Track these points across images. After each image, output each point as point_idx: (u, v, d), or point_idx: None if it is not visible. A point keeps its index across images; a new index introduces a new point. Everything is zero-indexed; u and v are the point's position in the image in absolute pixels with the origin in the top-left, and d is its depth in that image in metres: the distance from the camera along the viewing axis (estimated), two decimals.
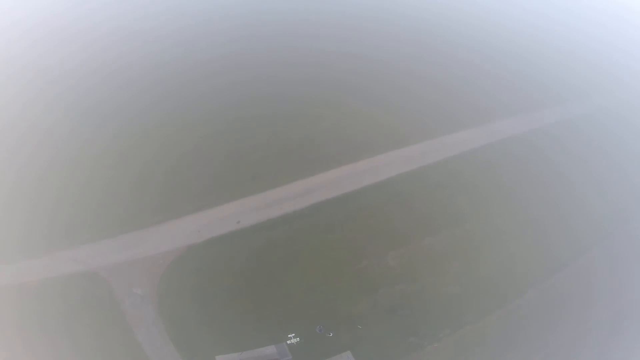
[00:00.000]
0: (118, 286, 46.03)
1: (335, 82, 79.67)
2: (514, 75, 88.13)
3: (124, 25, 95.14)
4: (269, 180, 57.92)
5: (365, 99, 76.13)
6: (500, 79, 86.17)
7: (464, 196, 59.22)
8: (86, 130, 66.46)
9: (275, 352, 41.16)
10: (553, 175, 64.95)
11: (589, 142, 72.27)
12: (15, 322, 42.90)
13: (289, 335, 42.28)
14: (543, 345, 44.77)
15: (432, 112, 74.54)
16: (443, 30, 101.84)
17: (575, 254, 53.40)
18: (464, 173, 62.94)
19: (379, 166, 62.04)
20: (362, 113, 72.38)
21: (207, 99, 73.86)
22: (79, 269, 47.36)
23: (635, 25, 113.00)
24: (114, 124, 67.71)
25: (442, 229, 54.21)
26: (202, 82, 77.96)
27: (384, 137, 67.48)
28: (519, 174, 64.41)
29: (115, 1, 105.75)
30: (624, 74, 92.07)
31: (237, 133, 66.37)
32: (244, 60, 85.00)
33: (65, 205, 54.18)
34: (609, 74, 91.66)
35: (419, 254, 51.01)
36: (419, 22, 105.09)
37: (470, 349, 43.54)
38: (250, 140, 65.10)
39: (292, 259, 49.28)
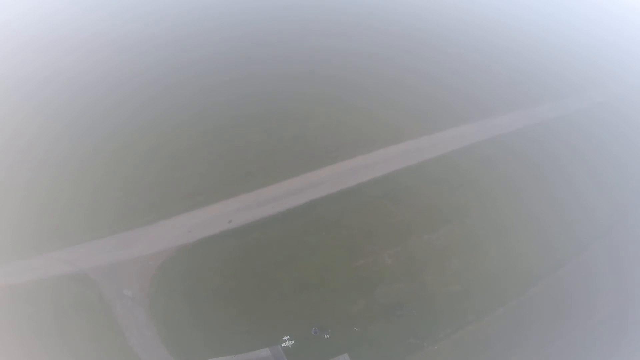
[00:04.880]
0: (109, 288, 44.93)
1: (330, 78, 78.28)
2: (513, 71, 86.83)
3: (114, 26, 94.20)
4: (261, 178, 56.51)
5: (360, 95, 74.74)
6: (500, 75, 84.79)
7: (463, 192, 57.74)
8: (77, 130, 65.28)
9: (269, 355, 39.94)
10: (554, 170, 63.57)
11: (589, 137, 71.05)
12: (7, 324, 41.88)
13: (284, 338, 40.93)
14: (548, 344, 43.45)
15: (429, 107, 73.08)
16: (441, 27, 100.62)
17: (577, 249, 51.99)
18: (463, 168, 61.50)
19: (375, 162, 60.57)
20: (357, 108, 70.96)
21: (199, 98, 72.58)
22: (69, 270, 46.23)
23: (633, 23, 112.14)
24: (105, 124, 66.51)
25: (441, 225, 52.74)
26: (194, 80, 76.73)
27: (380, 133, 66.01)
28: (519, 168, 62.97)
29: (106, 1, 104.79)
30: (623, 71, 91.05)
31: (229, 131, 65.02)
32: (236, 58, 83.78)
33: (55, 206, 52.97)
34: (608, 71, 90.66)
35: (417, 251, 49.56)
36: (416, 18, 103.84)
37: (473, 349, 42.19)
38: (242, 138, 63.70)
39: (286, 259, 47.84)
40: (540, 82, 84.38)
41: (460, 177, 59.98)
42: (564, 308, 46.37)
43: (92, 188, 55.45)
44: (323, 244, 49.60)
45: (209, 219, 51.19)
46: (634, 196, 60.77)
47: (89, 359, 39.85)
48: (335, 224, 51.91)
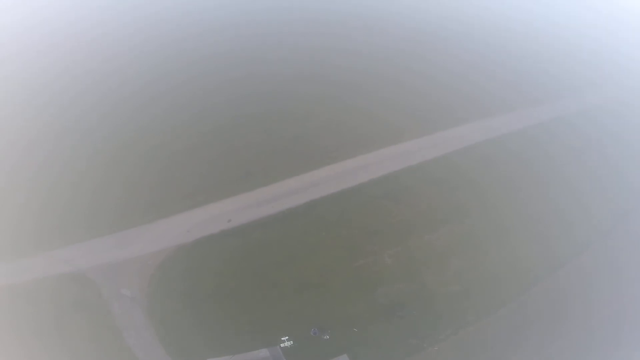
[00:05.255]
0: (108, 288, 44.73)
1: (330, 79, 78.43)
2: (513, 72, 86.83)
3: (116, 28, 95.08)
4: (261, 178, 56.37)
5: (360, 95, 74.78)
6: (500, 76, 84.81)
7: (464, 192, 57.52)
8: (78, 129, 65.58)
9: (268, 355, 39.60)
10: (554, 171, 63.27)
11: (588, 139, 70.72)
12: (6, 323, 41.82)
13: (283, 339, 40.61)
14: (548, 344, 43.00)
15: (429, 108, 73.02)
16: (441, 29, 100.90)
17: (577, 250, 51.57)
18: (463, 168, 61.29)
19: (375, 162, 60.43)
20: (357, 109, 70.96)
21: (200, 98, 72.85)
22: (68, 269, 46.12)
23: (632, 26, 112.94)
24: (106, 124, 66.79)
25: (442, 225, 52.46)
26: (194, 81, 77.04)
27: (380, 133, 65.91)
28: (519, 169, 62.70)
29: (108, 3, 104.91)
30: (622, 74, 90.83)
31: (230, 131, 65.08)
32: (237, 59, 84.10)
33: (55, 205, 53.04)
34: (607, 73, 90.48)
35: (418, 251, 49.24)
36: (418, 20, 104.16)
37: (474, 349, 41.79)
38: (242, 138, 63.71)
39: (286, 259, 47.60)
40: (540, 83, 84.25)
41: (460, 177, 59.78)
42: (564, 309, 46.02)
43: (92, 187, 55.48)
44: (323, 244, 49.33)
45: (209, 219, 51.01)
46: (633, 197, 60.63)
47: (88, 359, 39.51)
48: (335, 224, 51.69)
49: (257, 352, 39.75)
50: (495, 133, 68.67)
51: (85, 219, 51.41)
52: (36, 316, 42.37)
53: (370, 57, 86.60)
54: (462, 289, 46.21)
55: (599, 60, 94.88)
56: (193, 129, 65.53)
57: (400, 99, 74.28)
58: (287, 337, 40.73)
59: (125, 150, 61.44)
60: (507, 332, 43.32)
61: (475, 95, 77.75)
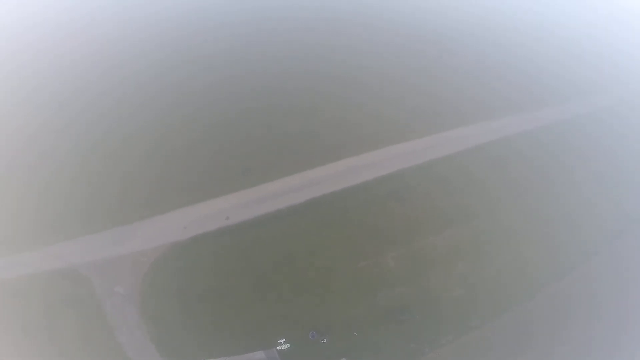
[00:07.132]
0: (100, 285, 43.62)
1: (335, 76, 76.85)
2: (520, 74, 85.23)
3: (117, 25, 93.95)
4: (261, 174, 54.87)
5: (366, 92, 73.23)
6: (507, 77, 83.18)
7: (470, 193, 56.05)
8: (77, 126, 64.44)
9: (264, 358, 38.57)
10: (562, 173, 61.83)
11: (597, 141, 69.31)
12: None
13: (280, 341, 39.43)
14: (552, 351, 41.81)
15: (435, 107, 71.41)
16: (448, 29, 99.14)
17: (585, 255, 50.28)
18: (469, 169, 59.77)
19: (379, 161, 58.83)
20: (362, 106, 69.36)
21: (200, 94, 71.30)
22: (61, 265, 45.03)
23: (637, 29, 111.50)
24: (105, 121, 65.40)
25: (446, 228, 50.99)
26: (196, 77, 75.57)
27: (385, 131, 64.30)
28: (526, 171, 61.26)
29: (108, 3, 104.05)
30: (629, 75, 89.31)
31: (230, 126, 63.56)
32: (238, 56, 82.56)
33: (51, 202, 51.84)
34: (615, 75, 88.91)
35: (421, 253, 47.86)
36: (426, 21, 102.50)
37: (476, 355, 40.63)
38: (243, 134, 62.14)
39: (285, 259, 46.19)
40: (547, 85, 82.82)
41: (466, 178, 58.28)
42: (570, 315, 44.77)
43: (89, 184, 54.18)
44: (324, 244, 47.88)
45: (206, 216, 49.63)
46: None
47: (77, 356, 38.68)
48: (336, 224, 50.19)
49: (252, 354, 38.66)
50: (502, 134, 67.16)
51: (80, 215, 50.21)
52: (26, 312, 41.38)
53: (377, 55, 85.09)
54: (466, 292, 44.88)
55: (607, 62, 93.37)
56: (192, 125, 64.09)
57: (406, 97, 72.71)
58: (284, 340, 39.56)
59: (124, 146, 60.13)
60: (510, 338, 42.10)
61: (482, 96, 76.22)
